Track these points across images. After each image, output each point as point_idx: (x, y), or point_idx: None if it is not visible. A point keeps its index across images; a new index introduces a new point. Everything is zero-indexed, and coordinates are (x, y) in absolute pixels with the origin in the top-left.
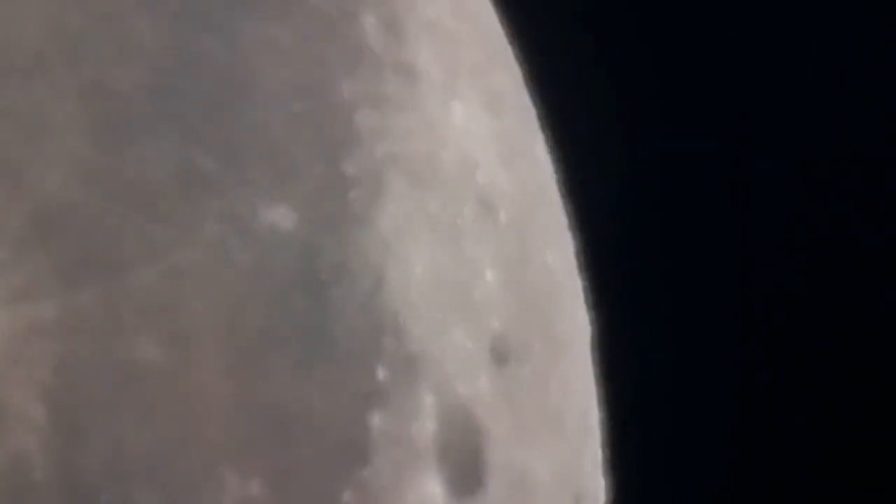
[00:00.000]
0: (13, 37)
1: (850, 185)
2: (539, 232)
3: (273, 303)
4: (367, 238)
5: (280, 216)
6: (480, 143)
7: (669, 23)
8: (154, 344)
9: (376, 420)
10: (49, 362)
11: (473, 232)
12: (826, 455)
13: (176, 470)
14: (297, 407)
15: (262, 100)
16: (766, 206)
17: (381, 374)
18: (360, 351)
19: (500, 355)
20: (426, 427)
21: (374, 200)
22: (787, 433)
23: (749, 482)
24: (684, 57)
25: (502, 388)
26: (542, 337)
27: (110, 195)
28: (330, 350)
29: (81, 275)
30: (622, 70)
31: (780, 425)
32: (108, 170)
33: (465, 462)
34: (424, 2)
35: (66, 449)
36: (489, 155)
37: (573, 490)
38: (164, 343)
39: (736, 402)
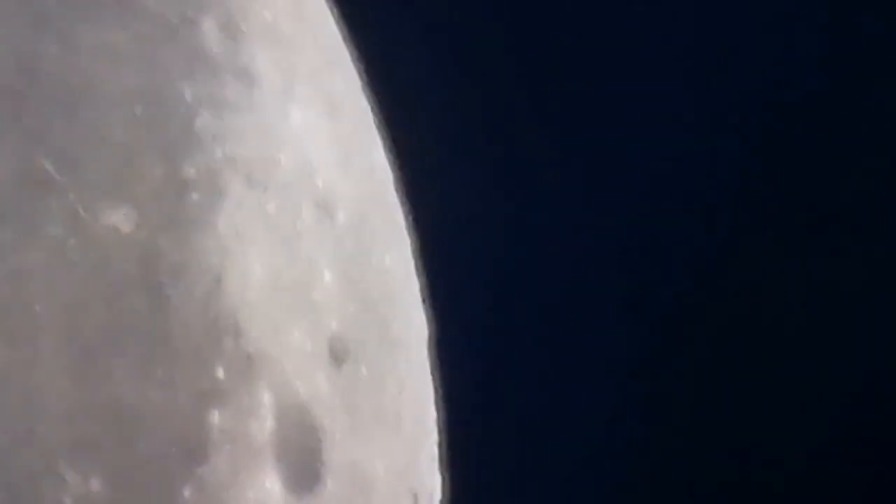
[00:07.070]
0: None
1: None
2: (377, 233)
3: (112, 303)
4: (206, 240)
5: (120, 218)
6: (318, 145)
7: (505, 22)
8: None
9: (215, 418)
10: None
11: (312, 234)
12: (677, 444)
13: (16, 468)
14: (136, 405)
15: (102, 103)
16: (593, 203)
17: (220, 373)
18: (198, 350)
19: (338, 355)
20: (265, 425)
21: (213, 203)
22: (623, 430)
23: (585, 479)
24: (524, 56)
25: (340, 387)
26: (380, 337)
27: None
28: (169, 350)
29: None
30: (460, 71)
31: (621, 422)
32: None
33: (303, 459)
34: (261, 6)
35: None
36: (327, 158)
37: (410, 486)
38: (3, 343)
39: (571, 400)
